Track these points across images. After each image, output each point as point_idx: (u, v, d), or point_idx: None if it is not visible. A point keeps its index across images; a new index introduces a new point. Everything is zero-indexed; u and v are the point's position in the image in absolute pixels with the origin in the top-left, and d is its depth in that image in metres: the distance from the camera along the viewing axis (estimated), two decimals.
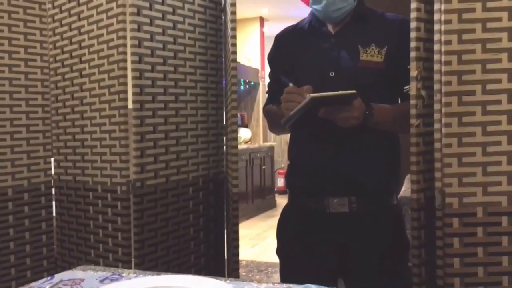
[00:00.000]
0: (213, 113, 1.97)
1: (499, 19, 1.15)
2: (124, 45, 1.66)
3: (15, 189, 1.90)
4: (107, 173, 1.74)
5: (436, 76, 1.19)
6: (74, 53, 1.84)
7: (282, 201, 6.59)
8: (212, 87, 1.96)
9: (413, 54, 1.22)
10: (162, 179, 1.76)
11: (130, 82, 1.67)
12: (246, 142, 6.58)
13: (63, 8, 1.87)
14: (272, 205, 6.62)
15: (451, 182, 1.17)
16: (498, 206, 1.17)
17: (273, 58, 1.58)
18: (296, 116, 1.23)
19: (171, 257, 1.80)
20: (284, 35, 1.56)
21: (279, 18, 7.24)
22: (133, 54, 1.65)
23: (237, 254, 1.73)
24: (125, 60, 1.67)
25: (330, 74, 1.38)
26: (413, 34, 1.22)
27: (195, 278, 0.97)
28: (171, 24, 1.78)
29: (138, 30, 1.66)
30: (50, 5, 1.93)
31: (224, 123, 2.00)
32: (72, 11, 1.84)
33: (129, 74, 1.66)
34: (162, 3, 1.74)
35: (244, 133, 6.54)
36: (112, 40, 1.68)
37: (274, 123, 1.56)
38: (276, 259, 1.55)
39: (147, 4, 1.68)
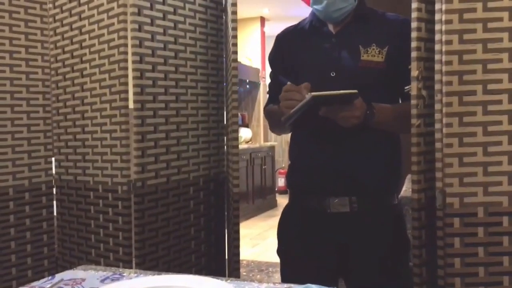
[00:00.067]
0: (213, 113, 1.97)
1: (500, 19, 1.15)
2: (125, 45, 1.66)
3: (16, 189, 1.90)
4: (108, 173, 1.74)
5: (437, 76, 1.19)
6: (75, 53, 1.85)
7: (282, 201, 6.60)
8: (213, 87, 1.97)
9: (414, 54, 1.22)
10: (163, 179, 1.76)
11: (131, 82, 1.67)
12: (247, 142, 6.58)
13: (64, 8, 1.88)
14: (273, 205, 6.62)
15: (452, 182, 1.17)
16: (499, 206, 1.17)
17: (274, 58, 1.58)
18: (297, 114, 1.23)
19: (172, 257, 1.80)
20: (284, 35, 1.56)
21: (279, 18, 7.24)
22: (134, 54, 1.66)
23: (238, 254, 1.73)
24: (126, 60, 1.67)
25: (331, 74, 1.38)
26: (414, 34, 1.22)
27: (196, 278, 0.97)
28: (172, 24, 1.78)
29: (139, 30, 1.66)
30: (51, 5, 1.94)
31: (225, 123, 2.00)
32: (73, 11, 1.84)
33: (130, 74, 1.67)
34: (163, 3, 1.74)
35: (244, 133, 6.54)
36: (113, 40, 1.69)
37: (275, 123, 1.56)
38: (276, 259, 1.55)
39: (148, 4, 1.69)
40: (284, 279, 1.50)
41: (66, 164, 1.92)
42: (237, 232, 1.73)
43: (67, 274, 1.08)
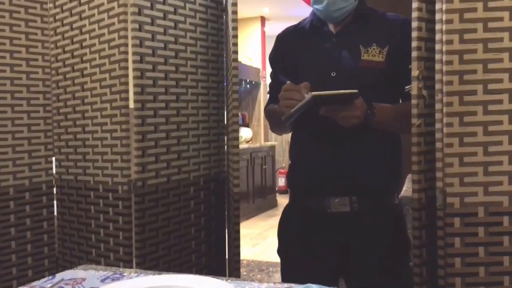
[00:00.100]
0: (214, 112, 1.97)
1: (501, 19, 1.15)
2: (126, 45, 1.66)
3: (16, 189, 1.90)
4: (108, 172, 1.74)
5: (437, 76, 1.19)
6: (75, 53, 1.85)
7: (283, 200, 6.60)
8: (213, 87, 1.97)
9: (414, 53, 1.22)
10: (163, 178, 1.76)
11: (131, 81, 1.67)
12: (247, 142, 6.59)
13: (65, 7, 1.88)
14: (273, 204, 6.62)
15: (452, 181, 1.17)
16: (500, 206, 1.17)
17: (274, 58, 1.58)
18: (297, 114, 1.23)
19: (172, 257, 1.80)
20: (285, 35, 1.56)
21: (280, 17, 7.24)
22: (134, 53, 1.66)
23: (238, 254, 1.73)
24: (126, 60, 1.67)
25: (331, 74, 1.38)
26: (414, 34, 1.22)
27: (196, 277, 0.97)
28: (172, 24, 1.78)
29: (139, 29, 1.66)
30: (51, 5, 1.94)
31: (225, 122, 2.00)
32: (74, 11, 1.84)
33: (130, 73, 1.67)
34: (163, 3, 1.74)
35: (245, 133, 6.54)
36: (114, 39, 1.69)
37: (276, 122, 1.56)
38: (277, 259, 1.55)
39: (148, 4, 1.69)
40: (285, 279, 1.50)
41: (66, 163, 1.92)
42: (238, 231, 1.73)
43: (67, 274, 1.08)
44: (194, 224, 1.90)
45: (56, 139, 1.97)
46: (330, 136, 1.38)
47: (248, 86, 7.04)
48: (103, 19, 1.72)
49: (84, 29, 1.80)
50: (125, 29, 1.66)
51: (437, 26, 1.19)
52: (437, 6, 1.18)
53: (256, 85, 7.10)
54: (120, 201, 1.70)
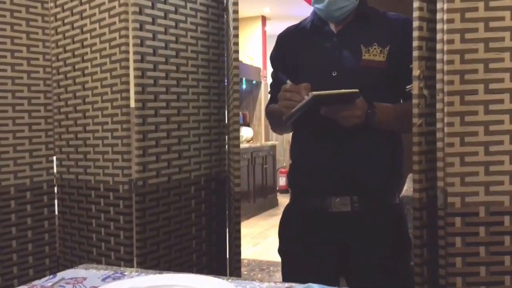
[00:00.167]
0: (215, 112, 1.97)
1: (502, 18, 1.15)
2: (126, 44, 1.67)
3: (17, 188, 1.91)
4: (109, 172, 1.74)
5: (438, 75, 1.19)
6: (76, 52, 1.85)
7: (283, 200, 6.60)
8: (214, 86, 1.97)
9: (415, 53, 1.22)
10: (164, 178, 1.76)
11: (132, 81, 1.67)
12: (248, 141, 6.59)
13: (65, 7, 1.88)
14: (274, 204, 6.62)
15: (453, 181, 1.17)
16: (501, 205, 1.17)
17: (275, 58, 1.57)
18: (298, 113, 1.23)
19: (173, 256, 1.80)
20: (286, 35, 1.56)
21: (281, 17, 7.23)
22: (135, 53, 1.66)
23: (239, 253, 1.73)
24: (127, 59, 1.67)
25: (332, 73, 1.38)
26: (415, 33, 1.22)
27: (197, 277, 0.97)
28: (173, 23, 1.78)
29: (140, 29, 1.66)
30: (52, 4, 1.94)
31: (226, 122, 2.00)
32: (74, 10, 1.84)
33: (131, 73, 1.67)
34: (164, 2, 1.74)
35: (246, 132, 6.54)
36: (115, 39, 1.69)
37: (276, 122, 1.56)
38: (278, 258, 1.55)
39: (149, 3, 1.69)
40: (285, 278, 1.50)
41: (67, 163, 1.92)
42: (238, 231, 1.73)
43: (68, 273, 1.08)
44: (195, 224, 1.90)
45: (57, 138, 1.97)
46: (331, 136, 1.38)
47: (249, 85, 7.04)
48: (104, 19, 1.72)
49: (85, 29, 1.80)
50: (126, 28, 1.66)
51: (438, 26, 1.19)
52: (438, 5, 1.18)
53: (257, 85, 7.10)
54: (121, 200, 1.70)
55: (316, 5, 1.40)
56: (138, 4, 1.65)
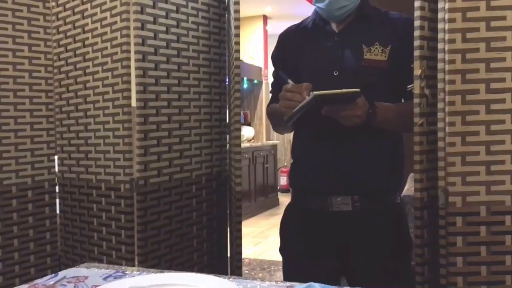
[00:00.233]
0: (216, 111, 1.97)
1: (503, 18, 1.15)
2: (128, 43, 1.67)
3: (19, 187, 1.91)
4: (111, 171, 1.74)
5: (439, 75, 1.19)
6: (77, 51, 1.85)
7: (284, 199, 6.61)
8: (216, 86, 1.97)
9: (416, 52, 1.22)
10: (166, 177, 1.77)
11: (133, 80, 1.67)
12: (249, 141, 6.59)
13: (67, 6, 1.88)
14: (275, 203, 6.63)
15: (454, 181, 1.17)
16: (502, 205, 1.17)
17: (276, 57, 1.57)
18: (299, 113, 1.23)
19: (174, 255, 1.81)
20: (287, 34, 1.56)
21: (282, 16, 7.23)
22: (136, 52, 1.66)
23: (240, 252, 1.73)
24: (128, 58, 1.67)
25: (334, 73, 1.38)
26: (417, 33, 1.22)
27: (198, 276, 0.97)
28: (174, 22, 1.78)
29: (142, 28, 1.66)
30: (54, 3, 1.94)
31: (227, 121, 2.00)
32: (76, 9, 1.84)
33: (133, 72, 1.67)
34: (166, 2, 1.74)
35: (247, 132, 6.55)
36: (116, 38, 1.69)
37: (278, 122, 1.56)
38: (279, 257, 1.55)
39: (151, 2, 1.69)
40: (287, 278, 1.50)
41: (69, 162, 1.92)
42: (240, 230, 1.73)
43: (70, 272, 1.08)
44: (196, 223, 1.90)
45: (58, 137, 1.97)
46: (332, 136, 1.38)
47: (250, 85, 7.04)
48: (105, 18, 1.72)
49: (86, 28, 1.80)
50: (128, 27, 1.66)
51: (440, 25, 1.18)
52: (440, 5, 1.18)
53: (258, 84, 7.10)
54: (122, 199, 1.70)
55: (318, 4, 1.40)
56: (139, 3, 1.65)
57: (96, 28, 1.76)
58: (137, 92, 1.67)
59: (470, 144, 1.17)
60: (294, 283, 0.96)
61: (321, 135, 1.42)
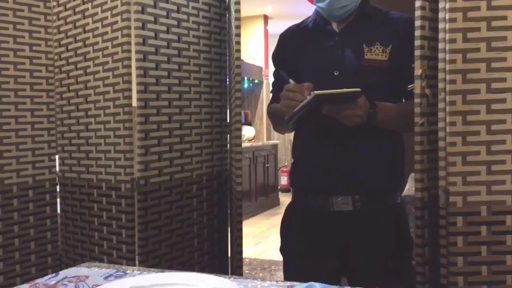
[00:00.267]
0: (217, 111, 1.97)
1: (504, 18, 1.15)
2: (129, 43, 1.67)
3: (20, 186, 1.91)
4: (112, 170, 1.74)
5: (440, 75, 1.19)
6: (78, 51, 1.85)
7: (285, 199, 6.61)
8: (216, 85, 1.97)
9: (417, 52, 1.22)
10: (166, 177, 1.77)
11: (134, 80, 1.67)
12: (250, 140, 6.59)
13: (68, 6, 1.88)
14: (276, 203, 6.63)
15: (455, 180, 1.17)
16: (502, 204, 1.17)
17: (277, 57, 1.57)
18: (300, 113, 1.23)
19: (174, 255, 1.81)
20: (288, 34, 1.56)
21: (283, 16, 7.23)
22: (137, 52, 1.66)
23: (241, 252, 1.73)
24: (129, 58, 1.68)
25: (335, 73, 1.38)
26: (417, 33, 1.22)
27: (199, 275, 0.97)
28: (175, 22, 1.78)
29: (143, 28, 1.67)
30: (54, 3, 1.94)
31: (228, 121, 2.00)
32: (77, 9, 1.84)
33: (134, 72, 1.67)
34: (167, 1, 1.74)
35: (247, 131, 6.54)
36: (117, 38, 1.69)
37: (278, 122, 1.56)
38: (279, 257, 1.55)
39: (152, 2, 1.69)
40: (287, 277, 1.50)
41: (69, 161, 1.92)
42: (240, 230, 1.73)
43: (71, 271, 1.08)
44: (197, 222, 1.90)
45: (59, 137, 1.97)
46: (333, 135, 1.38)
47: (251, 84, 7.04)
48: (106, 17, 1.72)
49: (87, 28, 1.80)
50: (128, 27, 1.66)
51: (441, 25, 1.18)
52: (441, 4, 1.18)
53: (259, 84, 7.10)
54: (123, 199, 1.71)
55: (318, 4, 1.40)
56: (140, 3, 1.65)
57: (97, 28, 1.76)
58: (138, 91, 1.67)
59: (470, 144, 1.17)
60: (294, 283, 0.96)
61: (322, 134, 1.42)
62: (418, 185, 1.24)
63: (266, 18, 7.36)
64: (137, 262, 1.69)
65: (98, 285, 0.96)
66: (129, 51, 1.67)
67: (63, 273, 1.06)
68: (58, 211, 2.02)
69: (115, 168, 1.73)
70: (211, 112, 1.94)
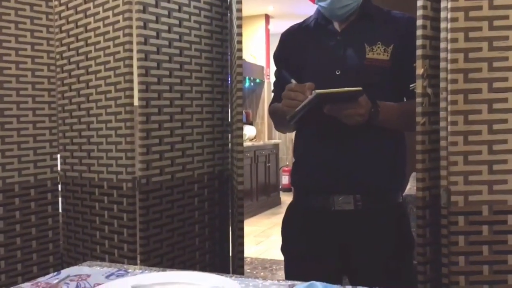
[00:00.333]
0: (218, 110, 1.97)
1: (506, 17, 1.15)
2: (130, 42, 1.67)
3: (21, 185, 1.91)
4: (113, 169, 1.74)
5: (442, 74, 1.19)
6: (80, 50, 1.85)
7: (286, 198, 6.61)
8: (218, 85, 1.97)
9: (419, 51, 1.22)
10: (168, 176, 1.77)
11: (136, 79, 1.67)
12: (251, 140, 6.59)
13: (70, 5, 1.88)
14: (277, 202, 6.63)
15: (456, 180, 1.17)
16: (504, 204, 1.17)
17: (278, 57, 1.57)
18: (301, 112, 1.23)
19: (176, 254, 1.81)
20: (289, 33, 1.56)
21: (284, 15, 7.23)
22: (139, 51, 1.66)
23: (242, 251, 1.74)
24: (131, 57, 1.68)
25: (336, 72, 1.38)
26: (419, 32, 1.22)
27: (201, 274, 0.97)
28: (177, 22, 1.78)
29: (144, 27, 1.67)
30: (56, 2, 1.94)
31: (229, 120, 2.00)
32: (79, 8, 1.84)
33: (135, 71, 1.67)
34: (168, 1, 1.74)
35: (248, 131, 6.54)
36: (118, 37, 1.69)
37: (280, 121, 1.56)
38: (280, 257, 1.55)
39: (153, 1, 1.69)
40: (288, 277, 1.50)
41: (71, 160, 1.93)
42: (242, 229, 1.73)
43: (73, 270, 1.08)
44: (198, 222, 1.90)
45: (61, 136, 1.97)
46: (334, 135, 1.38)
47: (252, 84, 7.04)
48: (108, 17, 1.72)
49: (89, 27, 1.81)
50: (130, 26, 1.66)
51: (442, 24, 1.18)
52: (442, 4, 1.18)
53: (260, 83, 7.10)
54: (124, 198, 1.71)
55: (320, 3, 1.40)
56: (142, 2, 1.65)
57: (98, 27, 1.76)
58: (140, 91, 1.67)
59: (472, 143, 1.17)
60: (296, 282, 0.96)
61: (323, 134, 1.42)
62: (419, 185, 1.24)
63: (267, 17, 7.36)
64: (138, 261, 1.69)
65: (100, 284, 0.96)
66: (131, 50, 1.67)
67: (65, 272, 1.06)
68: (60, 210, 2.02)
69: (117, 167, 1.73)
70: (212, 112, 1.94)
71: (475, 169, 1.17)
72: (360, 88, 1.20)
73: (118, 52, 1.69)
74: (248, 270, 3.76)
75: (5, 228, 1.87)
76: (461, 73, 1.16)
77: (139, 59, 1.66)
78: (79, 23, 1.84)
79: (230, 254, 2.01)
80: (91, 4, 1.79)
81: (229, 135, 2.00)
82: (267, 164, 6.41)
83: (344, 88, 1.19)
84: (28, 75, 1.93)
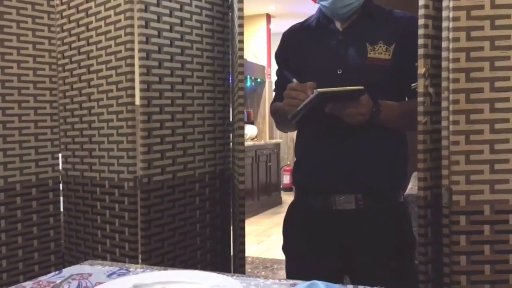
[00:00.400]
0: (219, 109, 1.97)
1: (508, 16, 1.15)
2: (132, 42, 1.67)
3: (23, 184, 1.92)
4: (115, 169, 1.75)
5: (444, 74, 1.19)
6: (82, 49, 1.85)
7: (287, 198, 6.60)
8: (219, 84, 1.97)
9: (420, 51, 1.22)
10: (169, 175, 1.77)
11: (137, 78, 1.68)
12: (252, 139, 6.59)
13: (71, 4, 1.88)
14: (278, 202, 6.63)
15: (458, 179, 1.17)
16: (506, 204, 1.17)
17: (280, 56, 1.57)
18: (303, 111, 1.23)
19: (177, 253, 1.81)
20: (291, 33, 1.55)
21: (285, 15, 7.22)
22: (140, 50, 1.66)
23: (243, 251, 1.74)
24: (132, 57, 1.68)
25: (338, 71, 1.38)
26: (421, 31, 1.22)
27: (202, 273, 0.97)
28: (178, 21, 1.78)
29: (146, 26, 1.67)
30: (58, 1, 1.94)
31: (231, 119, 2.00)
32: (80, 8, 1.84)
33: (137, 70, 1.67)
34: (170, 0, 1.74)
35: (250, 130, 6.54)
36: (120, 36, 1.69)
37: (281, 120, 1.56)
38: (281, 256, 1.55)
39: (155, 1, 1.69)
40: (289, 276, 1.50)
41: (73, 160, 1.93)
42: (243, 228, 1.73)
43: (74, 269, 1.08)
44: (199, 221, 1.90)
45: (62, 135, 1.98)
46: (336, 134, 1.38)
47: (253, 83, 7.04)
48: (109, 16, 1.72)
49: (90, 26, 1.81)
50: (132, 26, 1.66)
51: (444, 24, 1.18)
52: (444, 3, 1.18)
53: (262, 83, 7.11)
54: (126, 197, 1.71)
55: (322, 3, 1.40)
56: (143, 1, 1.65)
57: (100, 26, 1.76)
58: (141, 90, 1.67)
59: (474, 142, 1.16)
60: (297, 281, 0.96)
61: (325, 133, 1.42)
62: (421, 184, 1.24)
63: (269, 16, 7.36)
64: (140, 260, 1.70)
65: (101, 283, 0.96)
66: (132, 49, 1.67)
67: (66, 271, 1.07)
68: (61, 209, 2.02)
69: (118, 166, 1.73)
70: (214, 111, 1.94)
71: (477, 168, 1.17)
72: (361, 87, 1.20)
73: (120, 51, 1.69)
74: (249, 270, 3.76)
75: (7, 227, 1.87)
76: (463, 72, 1.16)
77: (140, 58, 1.66)
78: (81, 22, 1.85)
79: (231, 254, 2.01)
80: (92, 3, 1.79)
81: (231, 134, 2.00)
82: (268, 164, 6.41)
83: (345, 87, 1.19)
84: (30, 74, 1.93)
